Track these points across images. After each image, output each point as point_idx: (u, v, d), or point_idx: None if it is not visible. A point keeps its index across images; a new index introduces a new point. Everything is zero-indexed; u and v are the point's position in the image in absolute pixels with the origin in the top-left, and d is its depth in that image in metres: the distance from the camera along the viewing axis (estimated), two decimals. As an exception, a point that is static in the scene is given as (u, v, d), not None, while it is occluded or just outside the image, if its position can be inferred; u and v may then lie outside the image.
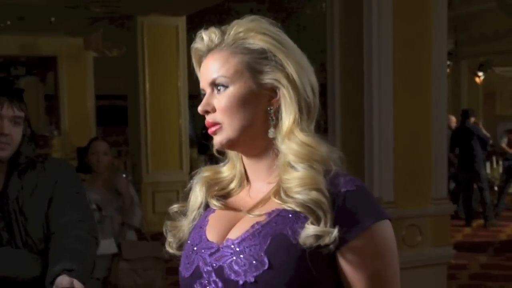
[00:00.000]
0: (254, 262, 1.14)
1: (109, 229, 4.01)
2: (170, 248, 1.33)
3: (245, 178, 1.31)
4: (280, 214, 1.18)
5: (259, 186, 1.27)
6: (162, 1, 7.80)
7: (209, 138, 1.31)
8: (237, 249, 1.17)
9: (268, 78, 1.21)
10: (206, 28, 1.27)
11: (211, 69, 1.23)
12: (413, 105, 4.21)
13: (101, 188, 4.08)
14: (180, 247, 1.32)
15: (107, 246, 3.84)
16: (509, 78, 14.11)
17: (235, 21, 1.25)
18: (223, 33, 1.25)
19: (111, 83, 12.90)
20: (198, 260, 1.23)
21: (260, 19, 1.25)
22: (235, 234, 1.21)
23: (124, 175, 4.39)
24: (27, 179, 2.12)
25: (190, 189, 1.35)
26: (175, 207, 1.35)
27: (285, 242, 1.14)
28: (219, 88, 1.22)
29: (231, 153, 1.32)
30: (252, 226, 1.19)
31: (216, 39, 1.25)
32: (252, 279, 1.13)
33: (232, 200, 1.30)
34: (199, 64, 1.29)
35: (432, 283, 4.29)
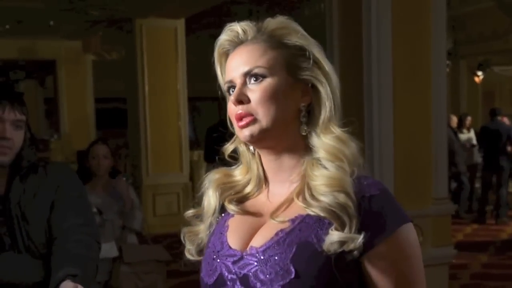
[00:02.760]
0: (280, 270, 1.13)
1: (110, 233, 4.00)
2: (190, 255, 1.32)
3: (264, 180, 1.29)
4: (304, 221, 1.17)
5: (279, 188, 1.25)
6: (160, 3, 7.80)
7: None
8: (262, 257, 1.16)
9: (305, 75, 1.22)
10: (238, 22, 1.26)
11: (247, 59, 1.22)
12: (413, 105, 4.20)
13: (101, 191, 4.07)
14: (200, 252, 1.31)
15: (108, 249, 3.83)
16: (508, 77, 14.12)
17: (268, 19, 1.26)
18: (258, 28, 1.25)
19: (111, 86, 12.90)
20: (221, 267, 1.21)
21: (291, 20, 1.26)
22: (259, 241, 1.19)
23: (124, 178, 4.37)
24: (29, 183, 2.11)
25: (202, 194, 1.33)
26: (190, 212, 1.33)
27: (310, 249, 1.13)
28: (255, 79, 1.21)
29: (246, 157, 1.31)
30: (276, 234, 1.17)
31: (252, 32, 1.24)
32: None
33: (250, 204, 1.28)
34: (222, 58, 1.28)
35: (434, 283, 4.28)
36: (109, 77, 12.61)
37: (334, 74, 1.25)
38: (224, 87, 1.27)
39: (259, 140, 1.22)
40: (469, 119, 10.24)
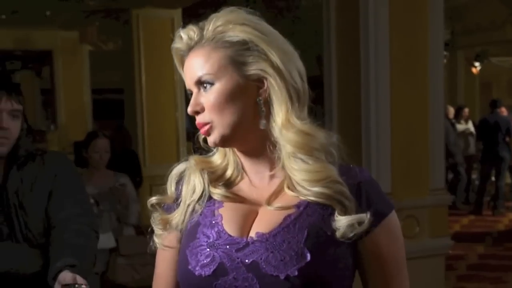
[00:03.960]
0: (294, 255, 1.13)
1: (107, 223, 4.01)
2: (163, 243, 1.27)
3: (242, 168, 1.27)
4: (309, 206, 1.17)
5: (258, 178, 1.24)
6: (157, -7, 7.78)
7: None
8: (273, 242, 1.15)
9: (253, 69, 1.18)
10: (184, 27, 1.23)
11: (195, 67, 1.20)
12: (410, 96, 4.20)
13: (98, 182, 4.07)
14: (177, 242, 1.26)
15: (105, 240, 3.83)
16: (505, 68, 14.12)
17: (213, 15, 1.22)
18: (201, 29, 1.21)
19: (107, 77, 12.87)
20: (220, 256, 1.16)
21: (238, 9, 1.22)
22: (265, 227, 1.17)
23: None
24: (27, 172, 2.11)
25: (170, 181, 1.30)
26: (154, 199, 1.30)
27: (321, 233, 1.15)
28: (205, 86, 1.19)
29: None
30: (285, 219, 1.17)
31: (195, 36, 1.21)
32: (296, 272, 1.11)
33: (236, 191, 1.26)
34: (182, 64, 1.25)
35: (430, 274, 4.30)
36: (105, 68, 12.57)
37: (292, 61, 1.20)
38: (188, 92, 1.25)
39: (224, 144, 1.22)
40: (466, 111, 10.26)
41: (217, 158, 1.30)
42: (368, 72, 4.05)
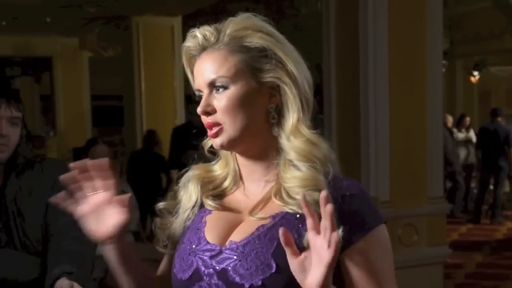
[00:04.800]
0: (260, 265, 1.14)
1: (105, 230, 4.00)
2: (162, 247, 1.33)
3: (239, 177, 1.29)
4: (285, 217, 1.17)
5: (254, 186, 1.26)
6: (157, 1, 7.79)
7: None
8: (243, 251, 1.16)
9: (269, 77, 1.20)
10: (199, 27, 1.24)
11: (209, 69, 1.20)
12: (409, 104, 4.21)
13: (97, 188, 4.06)
14: (173, 246, 1.30)
15: (103, 246, 3.82)
16: (504, 77, 14.12)
17: (229, 19, 1.23)
18: (218, 31, 1.22)
19: (107, 83, 12.87)
20: (197, 262, 1.20)
21: (254, 16, 1.23)
22: (239, 236, 1.19)
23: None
24: (25, 180, 2.10)
25: (178, 187, 1.33)
26: (161, 204, 1.33)
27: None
28: (218, 88, 1.20)
29: (224, 152, 1.30)
30: (257, 229, 1.18)
31: (212, 38, 1.21)
32: (259, 282, 1.13)
33: (228, 201, 1.28)
34: (190, 64, 1.27)
35: (428, 282, 4.30)
36: (105, 74, 12.58)
37: (303, 71, 1.22)
38: (196, 92, 1.26)
39: (230, 147, 1.23)
40: (467, 120, 10.28)
41: (218, 167, 1.31)
42: (367, 80, 4.07)
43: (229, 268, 1.16)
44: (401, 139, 4.18)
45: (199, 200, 1.28)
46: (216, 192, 1.29)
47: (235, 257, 1.16)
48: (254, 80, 1.20)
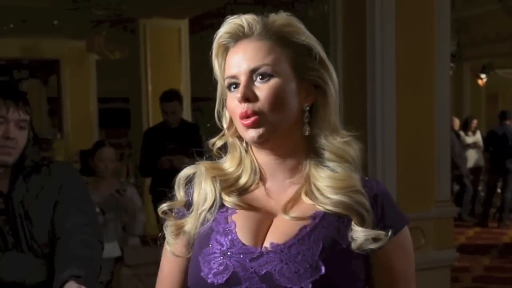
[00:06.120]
0: (309, 267, 1.12)
1: (112, 233, 4.00)
2: (176, 251, 1.25)
3: (260, 177, 1.24)
4: (325, 218, 1.17)
5: (277, 186, 1.23)
6: (164, 4, 7.80)
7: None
8: (288, 254, 1.13)
9: (312, 75, 1.20)
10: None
11: (254, 56, 1.17)
12: (416, 107, 4.20)
13: (104, 191, 4.08)
14: (187, 249, 1.24)
15: (110, 249, 3.83)
16: (511, 80, 14.09)
17: (272, 14, 1.22)
18: (263, 23, 1.20)
19: (114, 86, 12.90)
20: (233, 265, 1.15)
21: (294, 17, 1.24)
22: (279, 238, 1.16)
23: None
24: (32, 182, 2.11)
25: (185, 185, 1.26)
26: (164, 205, 1.26)
27: (336, 246, 1.14)
28: (261, 77, 1.17)
29: (238, 151, 1.25)
30: (300, 230, 1.16)
31: (258, 27, 1.20)
32: (309, 285, 1.11)
33: (250, 199, 1.23)
34: (221, 51, 1.22)
35: (435, 286, 4.28)
36: (112, 77, 12.61)
37: (335, 75, 1.24)
38: (224, 82, 1.21)
39: (265, 141, 1.18)
40: (474, 122, 10.24)
41: (228, 165, 1.27)
42: (374, 83, 4.06)
43: (274, 271, 1.13)
44: (408, 142, 4.17)
45: (217, 199, 1.22)
46: (234, 190, 1.24)
47: (279, 259, 1.13)
48: (296, 76, 1.19)
